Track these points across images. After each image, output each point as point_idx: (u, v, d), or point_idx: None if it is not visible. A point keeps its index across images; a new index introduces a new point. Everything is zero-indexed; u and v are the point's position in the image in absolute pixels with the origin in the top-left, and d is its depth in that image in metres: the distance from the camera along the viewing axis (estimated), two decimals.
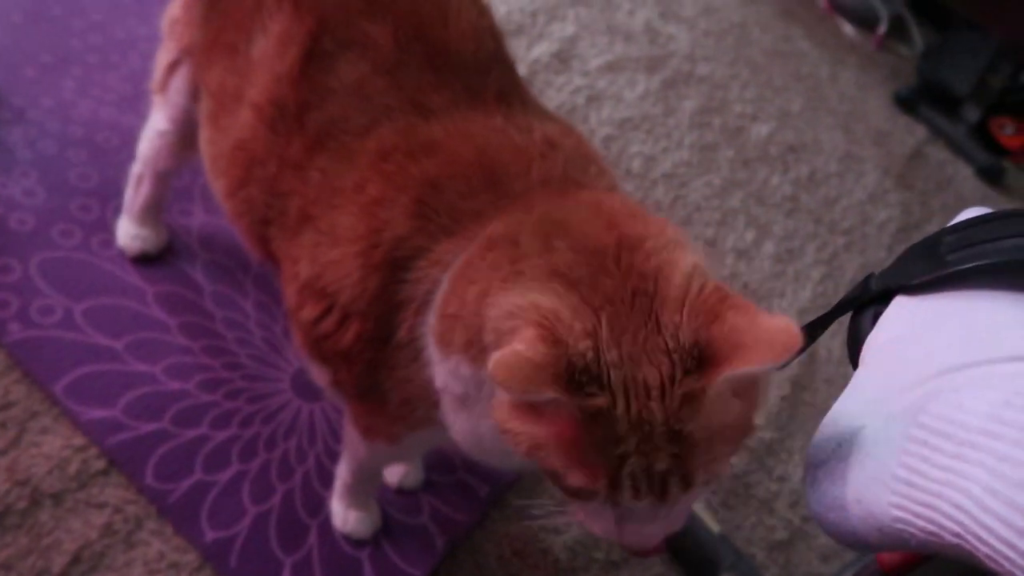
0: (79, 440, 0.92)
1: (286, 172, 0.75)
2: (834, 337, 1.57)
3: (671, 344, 0.52)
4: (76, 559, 0.84)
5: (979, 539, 0.42)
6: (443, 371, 0.65)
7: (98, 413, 0.93)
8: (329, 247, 0.72)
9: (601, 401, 0.50)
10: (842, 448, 0.53)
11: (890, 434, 0.49)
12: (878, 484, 0.49)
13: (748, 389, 0.54)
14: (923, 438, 0.46)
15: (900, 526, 0.47)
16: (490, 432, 0.64)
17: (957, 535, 0.43)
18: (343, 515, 0.96)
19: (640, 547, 0.56)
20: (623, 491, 0.52)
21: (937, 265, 0.54)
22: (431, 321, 0.66)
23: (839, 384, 1.50)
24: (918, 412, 0.47)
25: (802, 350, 0.70)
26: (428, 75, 0.74)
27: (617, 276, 0.55)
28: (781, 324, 0.51)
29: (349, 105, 0.74)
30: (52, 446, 0.90)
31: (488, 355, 0.53)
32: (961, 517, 0.42)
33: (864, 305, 0.60)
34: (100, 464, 0.91)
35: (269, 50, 0.77)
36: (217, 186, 0.83)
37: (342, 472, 0.95)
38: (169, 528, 0.90)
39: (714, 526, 1.14)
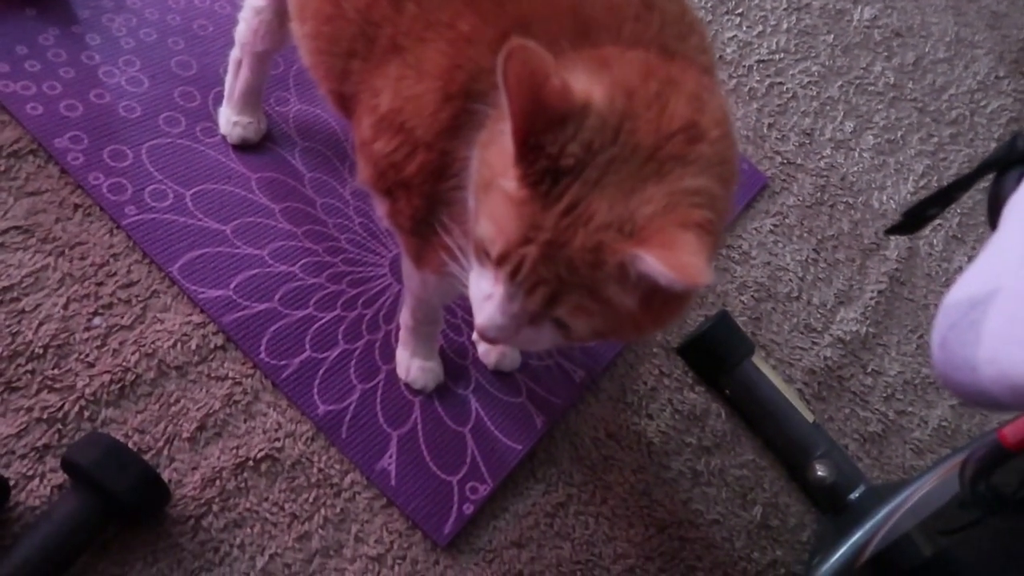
0: (197, 317, 0.96)
1: (381, 1, 0.74)
2: (935, 231, 1.51)
3: (633, 205, 0.56)
4: (202, 426, 0.90)
5: None
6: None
7: (213, 293, 0.97)
8: (414, 81, 0.71)
9: (569, 162, 0.55)
10: (976, 309, 0.52)
11: None
12: (1015, 344, 0.48)
13: (649, 295, 0.58)
14: None
15: None
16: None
17: None
18: (406, 363, 1.00)
19: (488, 330, 0.62)
20: (508, 264, 0.58)
21: None
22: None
23: (940, 279, 1.45)
24: None
25: (939, 212, 0.68)
26: None
27: (652, 120, 0.58)
28: (699, 263, 0.53)
29: None
30: (173, 322, 0.95)
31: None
32: None
33: (1009, 165, 0.57)
34: (218, 340, 0.96)
35: None
36: (305, 29, 0.83)
37: (404, 316, 0.98)
38: (284, 401, 0.95)
39: (808, 415, 1.14)
